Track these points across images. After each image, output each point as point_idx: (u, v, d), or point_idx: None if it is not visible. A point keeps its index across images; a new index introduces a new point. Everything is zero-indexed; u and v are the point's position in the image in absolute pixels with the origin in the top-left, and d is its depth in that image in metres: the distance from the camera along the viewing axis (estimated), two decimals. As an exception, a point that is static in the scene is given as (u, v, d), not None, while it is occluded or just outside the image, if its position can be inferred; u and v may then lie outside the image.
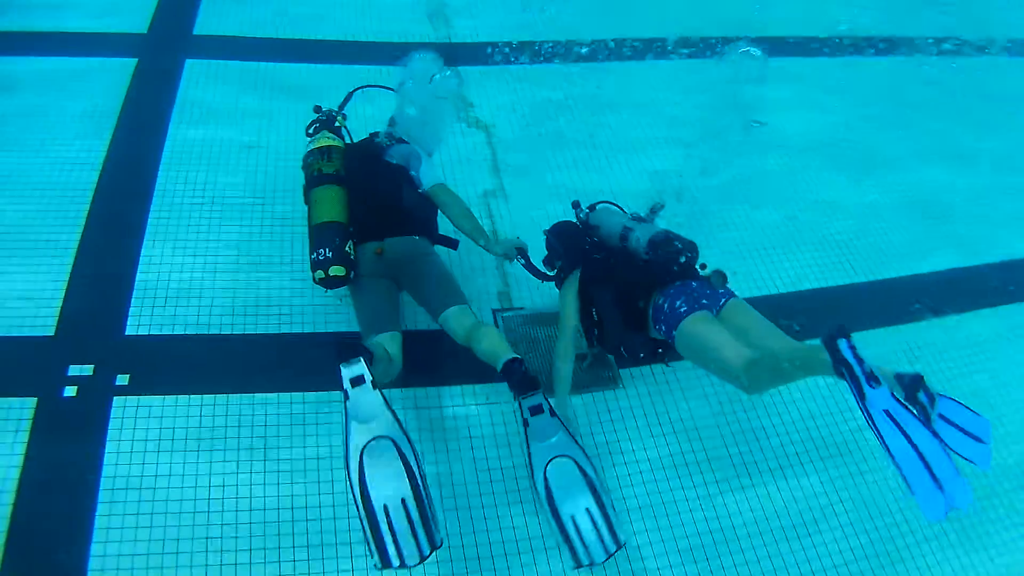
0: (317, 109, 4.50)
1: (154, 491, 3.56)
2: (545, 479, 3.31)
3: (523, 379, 3.43)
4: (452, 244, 4.19)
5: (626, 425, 4.11)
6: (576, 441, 3.42)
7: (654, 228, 3.74)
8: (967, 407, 2.85)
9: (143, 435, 3.72)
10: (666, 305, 3.39)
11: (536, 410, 3.38)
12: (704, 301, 3.35)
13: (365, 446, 3.06)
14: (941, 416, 2.77)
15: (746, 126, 5.36)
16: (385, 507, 2.97)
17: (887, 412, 2.50)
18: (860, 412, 2.56)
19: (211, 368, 4.03)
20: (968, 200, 5.99)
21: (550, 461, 3.35)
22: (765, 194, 5.64)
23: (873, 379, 2.52)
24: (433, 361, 4.14)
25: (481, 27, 6.85)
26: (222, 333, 4.16)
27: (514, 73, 6.34)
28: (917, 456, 2.43)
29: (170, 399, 3.85)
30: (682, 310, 3.32)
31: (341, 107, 4.59)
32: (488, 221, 5.05)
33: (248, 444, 3.76)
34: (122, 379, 3.89)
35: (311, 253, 3.81)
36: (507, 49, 6.47)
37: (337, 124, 4.43)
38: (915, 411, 2.56)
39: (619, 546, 3.24)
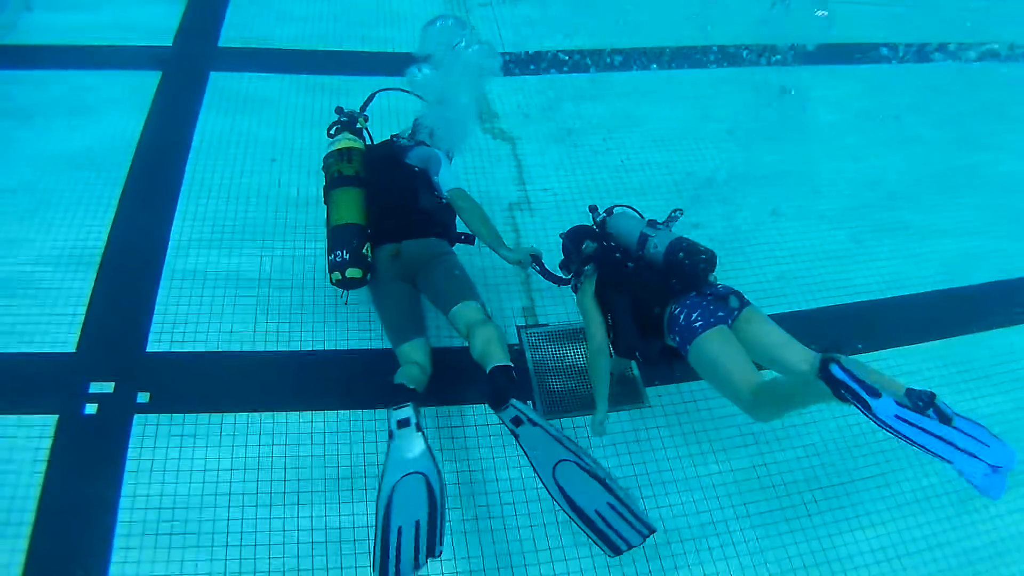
0: (339, 110, 4.49)
1: (173, 511, 3.53)
2: (557, 484, 3.31)
3: (496, 392, 3.43)
4: (469, 240, 4.18)
5: (652, 445, 4.02)
6: (565, 443, 3.37)
7: (672, 235, 3.71)
8: (990, 432, 2.70)
9: (163, 454, 3.69)
10: (681, 317, 3.35)
11: (516, 421, 3.39)
12: (720, 314, 3.32)
13: (398, 482, 3.20)
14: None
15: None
16: (400, 528, 3.10)
17: (898, 417, 2.54)
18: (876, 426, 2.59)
19: (232, 386, 3.99)
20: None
21: (556, 466, 3.34)
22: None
23: (872, 392, 2.56)
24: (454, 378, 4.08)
25: (507, 37, 6.77)
26: (243, 350, 4.12)
27: (541, 83, 6.28)
28: (944, 440, 2.50)
29: (191, 417, 3.82)
30: (697, 324, 3.29)
31: (363, 108, 4.57)
32: (513, 234, 4.98)
33: (268, 464, 3.71)
34: (143, 397, 3.86)
35: (328, 254, 3.81)
36: (533, 59, 6.42)
37: (359, 126, 4.41)
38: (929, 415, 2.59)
39: (651, 531, 3.27)
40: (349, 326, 4.29)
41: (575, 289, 3.93)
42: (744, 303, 3.40)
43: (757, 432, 4.09)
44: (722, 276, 3.66)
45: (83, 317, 4.16)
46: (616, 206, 4.13)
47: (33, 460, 3.61)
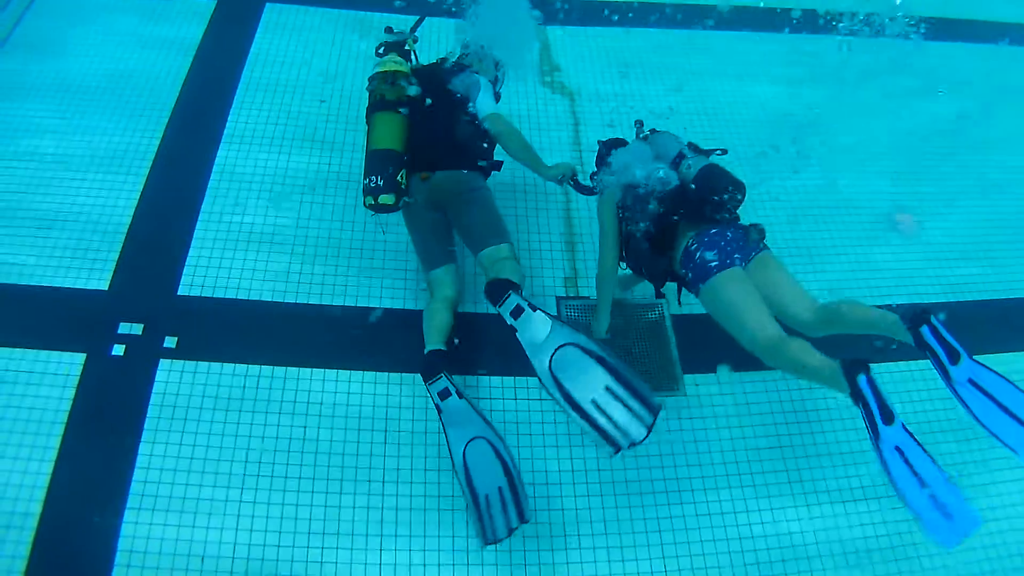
0: (388, 30, 4.35)
1: (191, 460, 3.53)
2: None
3: (493, 287, 3.45)
4: (496, 166, 4.13)
5: (688, 437, 3.87)
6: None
7: (708, 161, 3.62)
8: (1012, 383, 2.84)
9: (185, 401, 3.68)
10: (697, 254, 3.33)
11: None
12: (737, 256, 3.29)
13: (465, 447, 3.28)
14: (979, 387, 2.83)
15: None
16: (487, 496, 3.21)
17: (898, 448, 2.59)
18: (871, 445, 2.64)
19: (260, 337, 3.94)
20: None
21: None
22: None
23: (887, 416, 2.59)
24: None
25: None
26: (274, 300, 4.05)
27: (606, 35, 5.93)
28: (921, 488, 2.55)
29: (215, 366, 3.80)
30: (712, 265, 3.27)
31: (413, 29, 4.39)
32: (563, 197, 4.77)
33: (289, 420, 3.67)
34: (170, 341, 3.84)
35: (364, 178, 3.82)
36: (603, 8, 6.08)
37: (407, 47, 4.27)
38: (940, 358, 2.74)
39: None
40: (384, 282, 4.19)
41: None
42: (763, 245, 3.36)
43: (792, 434, 3.92)
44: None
45: (118, 254, 4.13)
46: (664, 132, 3.97)
47: (60, 399, 3.63)
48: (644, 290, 4.24)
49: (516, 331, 3.30)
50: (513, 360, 3.41)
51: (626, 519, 3.60)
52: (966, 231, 4.98)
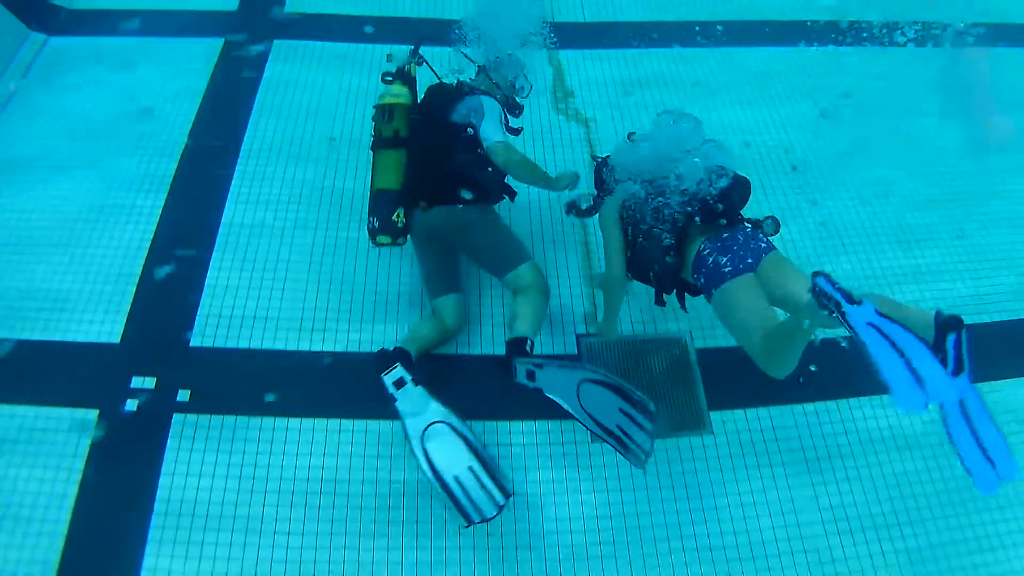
0: (389, 58, 4.21)
1: (206, 519, 3.47)
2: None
3: (502, 365, 3.60)
4: (510, 194, 4.12)
5: (717, 477, 3.73)
6: (575, 367, 3.44)
7: (725, 172, 3.50)
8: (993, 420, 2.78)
9: (199, 457, 3.62)
10: (710, 259, 3.31)
11: (530, 376, 3.46)
12: (749, 260, 3.27)
13: (423, 434, 3.35)
14: (963, 412, 2.80)
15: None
16: (456, 478, 3.26)
17: (871, 324, 2.60)
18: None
19: (274, 388, 3.84)
20: None
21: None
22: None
23: (852, 300, 2.61)
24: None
25: (589, 4, 6.34)
26: (287, 349, 3.98)
27: (626, 59, 5.82)
28: (898, 355, 2.55)
29: (229, 419, 3.73)
30: (726, 270, 3.25)
31: (413, 53, 4.23)
32: (581, 231, 4.66)
33: (304, 475, 3.60)
34: (183, 395, 3.79)
35: (368, 216, 3.90)
36: (624, 30, 5.99)
37: (407, 69, 4.13)
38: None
39: (508, 496, 3.27)
40: (400, 330, 4.09)
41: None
42: (770, 245, 3.37)
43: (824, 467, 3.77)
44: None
45: (129, 306, 4.09)
46: None
47: (73, 456, 3.59)
48: (665, 323, 4.15)
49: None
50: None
51: (653, 567, 3.47)
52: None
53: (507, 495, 3.26)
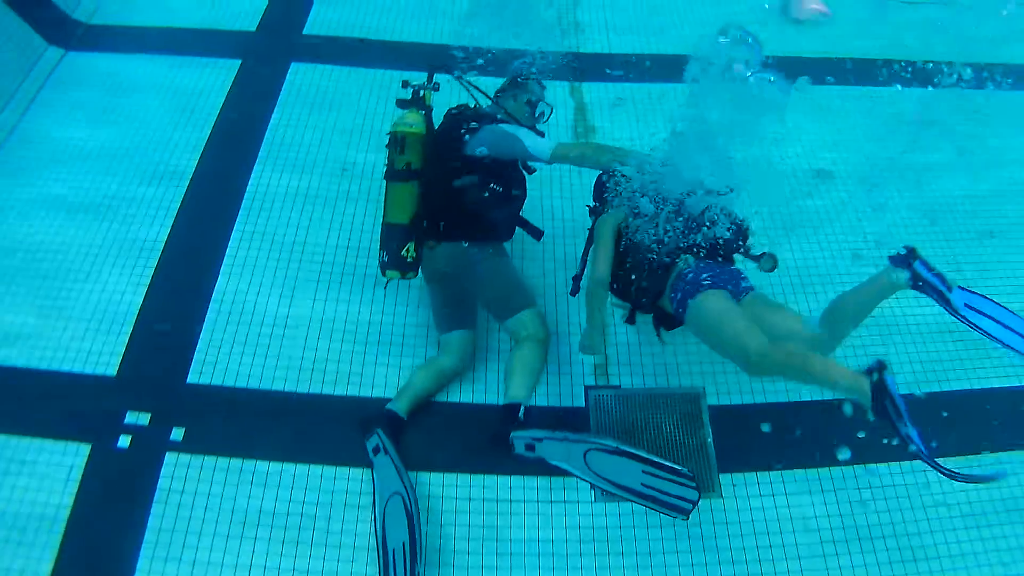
0: (405, 84, 4.05)
1: (192, 566, 3.36)
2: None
3: (495, 439, 3.58)
4: (535, 233, 4.08)
5: (723, 544, 3.57)
6: (579, 438, 3.45)
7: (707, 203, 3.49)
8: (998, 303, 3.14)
9: (190, 500, 3.52)
10: (689, 275, 3.30)
11: (529, 448, 3.48)
12: (730, 286, 3.28)
13: (386, 504, 3.39)
14: (974, 309, 3.12)
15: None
16: (393, 550, 3.30)
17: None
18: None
19: (269, 429, 3.76)
20: None
21: (586, 461, 3.40)
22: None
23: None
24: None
25: (616, 39, 6.19)
26: (286, 390, 3.88)
27: (650, 94, 5.67)
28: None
29: (223, 461, 3.63)
30: (705, 283, 3.24)
31: (429, 79, 4.10)
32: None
33: (296, 523, 3.49)
34: (177, 433, 3.69)
35: (379, 248, 3.85)
36: (647, 63, 5.85)
37: (422, 94, 4.01)
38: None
39: (690, 476, 3.22)
40: (402, 372, 3.97)
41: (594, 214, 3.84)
42: (751, 287, 3.37)
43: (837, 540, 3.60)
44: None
45: (128, 339, 4.01)
46: None
47: (62, 492, 3.52)
48: (679, 378, 4.02)
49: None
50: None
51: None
52: None
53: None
